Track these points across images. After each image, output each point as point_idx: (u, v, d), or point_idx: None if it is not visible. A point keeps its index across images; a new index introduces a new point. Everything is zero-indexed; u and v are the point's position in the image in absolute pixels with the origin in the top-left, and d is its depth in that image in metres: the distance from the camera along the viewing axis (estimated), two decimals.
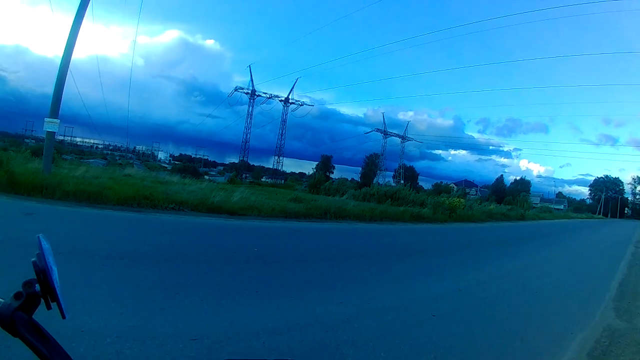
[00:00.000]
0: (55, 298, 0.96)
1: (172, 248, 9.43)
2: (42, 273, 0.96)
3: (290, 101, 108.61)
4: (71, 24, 19.25)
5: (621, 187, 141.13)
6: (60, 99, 19.11)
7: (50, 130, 18.66)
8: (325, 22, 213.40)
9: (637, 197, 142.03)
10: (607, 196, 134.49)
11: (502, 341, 6.12)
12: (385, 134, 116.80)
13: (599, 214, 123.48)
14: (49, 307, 0.98)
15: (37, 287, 0.98)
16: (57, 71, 19.10)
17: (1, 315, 0.93)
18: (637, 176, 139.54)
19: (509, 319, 7.36)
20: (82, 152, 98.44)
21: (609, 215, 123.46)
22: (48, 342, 0.94)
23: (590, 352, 6.05)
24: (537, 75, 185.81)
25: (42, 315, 1.02)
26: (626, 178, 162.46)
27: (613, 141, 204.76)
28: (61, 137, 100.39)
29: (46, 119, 18.43)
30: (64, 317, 0.98)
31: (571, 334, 6.79)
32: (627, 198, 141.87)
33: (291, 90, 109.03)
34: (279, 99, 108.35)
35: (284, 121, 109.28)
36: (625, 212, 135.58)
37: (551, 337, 6.58)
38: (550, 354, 5.92)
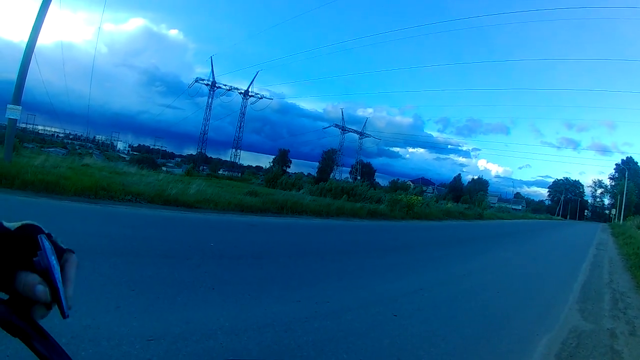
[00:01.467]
0: (57, 297, 0.90)
1: (127, 242, 9.19)
2: (44, 272, 0.90)
3: (249, 94, 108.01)
4: (38, 8, 18.84)
5: (581, 190, 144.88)
6: (23, 86, 18.63)
7: (12, 117, 18.18)
8: (288, 16, 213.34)
9: (597, 199, 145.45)
10: (567, 198, 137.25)
11: (466, 342, 6.09)
12: (343, 129, 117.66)
13: (558, 215, 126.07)
14: (48, 308, 0.91)
15: None
16: (22, 57, 18.65)
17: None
18: (598, 179, 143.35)
19: (472, 319, 7.34)
20: (43, 141, 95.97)
21: (568, 217, 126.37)
22: (47, 342, 0.89)
23: (558, 353, 6.02)
24: (500, 76, 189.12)
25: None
26: (586, 181, 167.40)
27: (575, 145, 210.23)
28: (23, 125, 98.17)
29: (8, 106, 17.98)
30: (64, 317, 0.90)
31: (536, 335, 6.76)
32: (587, 200, 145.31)
33: (251, 83, 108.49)
34: (239, 91, 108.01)
35: (242, 114, 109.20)
36: (585, 214, 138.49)
37: (516, 338, 6.55)
38: (517, 355, 5.90)
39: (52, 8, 19.38)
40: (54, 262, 0.92)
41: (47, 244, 0.93)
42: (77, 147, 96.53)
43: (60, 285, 0.90)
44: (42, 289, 0.85)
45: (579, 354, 6.11)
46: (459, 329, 6.68)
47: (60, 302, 0.90)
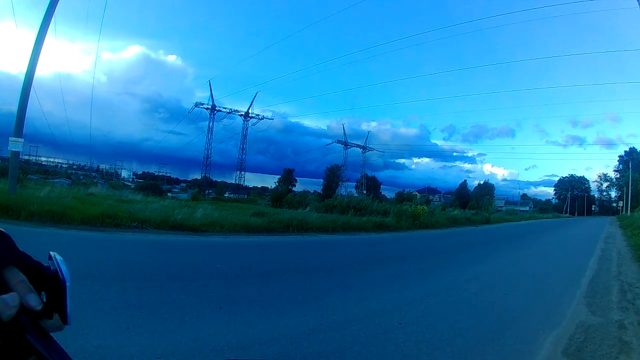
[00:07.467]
0: (62, 304, 0.92)
1: (135, 267, 9.34)
2: (54, 277, 0.94)
3: (250, 115, 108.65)
4: (34, 40, 19.17)
5: (587, 185, 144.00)
6: (24, 118, 18.92)
7: (14, 149, 18.44)
8: (285, 35, 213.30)
9: (604, 193, 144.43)
10: (573, 195, 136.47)
11: (471, 345, 6.10)
12: (346, 144, 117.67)
13: (566, 213, 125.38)
14: (49, 317, 0.92)
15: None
16: (21, 88, 18.95)
17: None
18: (603, 173, 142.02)
19: (478, 323, 7.33)
20: (47, 172, 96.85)
21: (575, 214, 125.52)
22: (47, 342, 0.88)
23: (565, 349, 6.00)
24: (503, 79, 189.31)
25: None
26: (592, 176, 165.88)
27: (580, 141, 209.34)
28: (26, 157, 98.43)
29: (10, 138, 18.23)
30: (65, 323, 0.93)
31: (543, 332, 6.74)
32: (593, 196, 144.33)
33: (250, 104, 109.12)
34: (239, 113, 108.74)
35: (244, 136, 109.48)
36: (593, 209, 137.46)
37: (523, 338, 6.54)
38: (523, 355, 5.90)
39: (49, 39, 19.65)
40: (65, 269, 0.95)
41: (58, 257, 0.98)
42: (81, 177, 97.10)
43: (68, 292, 0.93)
44: (34, 297, 0.87)
45: (587, 348, 6.10)
46: (464, 332, 6.68)
47: (64, 309, 0.92)
